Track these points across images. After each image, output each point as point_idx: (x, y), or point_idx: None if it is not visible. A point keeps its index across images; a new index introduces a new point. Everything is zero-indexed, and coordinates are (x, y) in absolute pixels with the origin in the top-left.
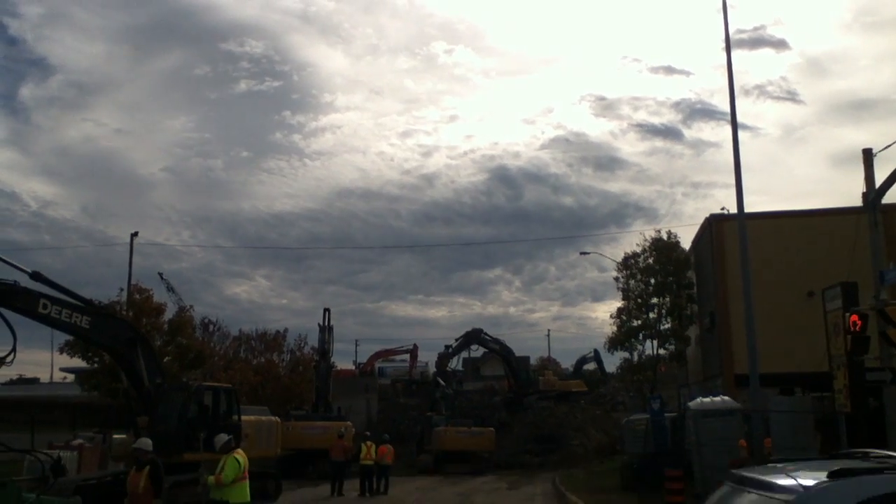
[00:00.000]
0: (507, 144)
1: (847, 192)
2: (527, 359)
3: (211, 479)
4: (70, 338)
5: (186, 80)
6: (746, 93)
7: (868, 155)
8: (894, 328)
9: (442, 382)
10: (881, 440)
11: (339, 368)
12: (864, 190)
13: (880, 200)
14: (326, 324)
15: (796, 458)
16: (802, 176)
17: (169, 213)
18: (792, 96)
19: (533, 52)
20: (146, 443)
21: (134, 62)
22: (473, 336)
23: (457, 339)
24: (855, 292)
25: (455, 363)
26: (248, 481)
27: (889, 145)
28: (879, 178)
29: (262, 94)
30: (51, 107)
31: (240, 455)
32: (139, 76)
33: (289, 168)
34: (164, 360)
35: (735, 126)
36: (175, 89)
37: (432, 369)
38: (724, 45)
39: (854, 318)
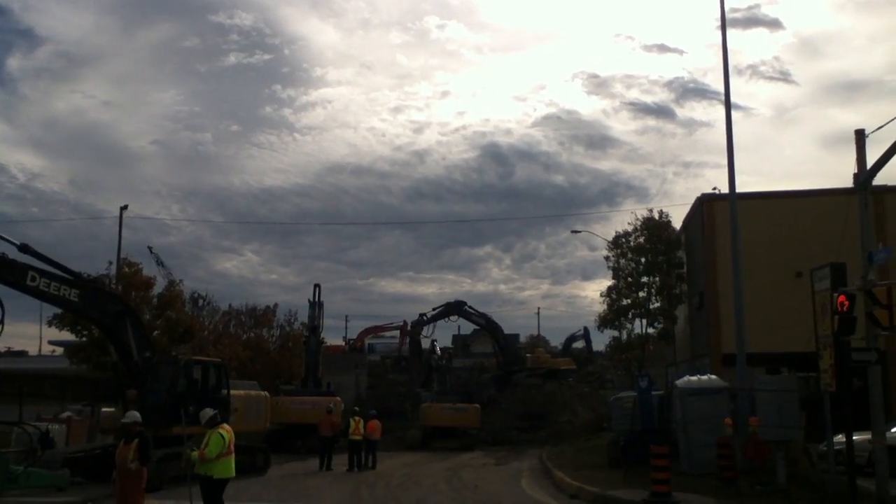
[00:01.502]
0: (498, 121)
1: (837, 173)
2: (516, 336)
3: (195, 454)
4: (59, 311)
5: (176, 52)
6: (739, 72)
7: (860, 136)
8: (881, 309)
9: (436, 354)
10: (865, 420)
11: (328, 344)
12: (856, 171)
13: (871, 182)
14: (316, 300)
15: None
16: (793, 156)
17: (158, 186)
18: (785, 76)
19: (526, 28)
20: (135, 416)
21: (123, 34)
22: (455, 307)
23: (435, 308)
24: (843, 273)
25: (430, 331)
26: (233, 456)
27: (881, 126)
28: (871, 159)
29: (252, 67)
30: (38, 78)
31: (225, 430)
32: (128, 48)
33: (279, 143)
34: (154, 334)
35: (728, 106)
36: (164, 62)
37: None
38: (717, 24)
39: (842, 298)
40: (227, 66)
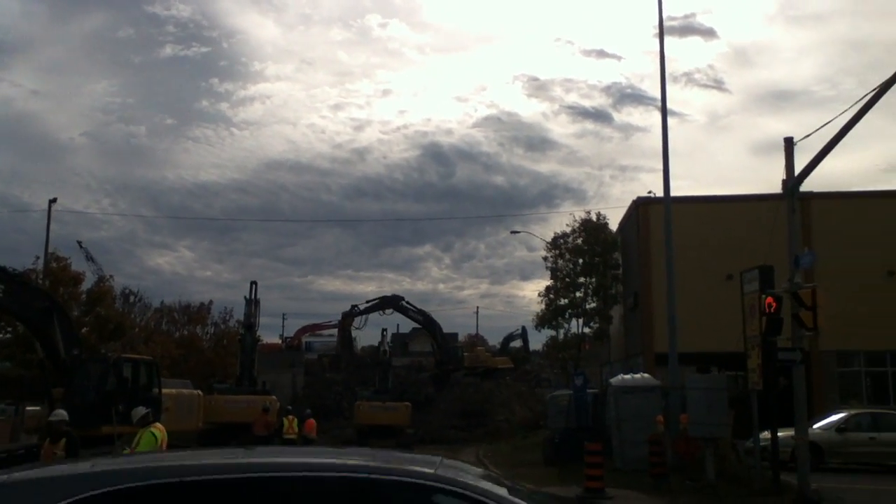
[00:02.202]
0: (440, 121)
1: (767, 179)
2: (455, 335)
3: (126, 452)
4: None
5: (109, 42)
6: (675, 79)
7: (789, 143)
8: (806, 311)
9: (384, 349)
10: (789, 417)
11: (265, 342)
12: (784, 177)
13: (799, 188)
14: (253, 297)
15: None
16: (725, 162)
17: (88, 179)
18: (718, 84)
19: (468, 29)
20: (61, 414)
21: (53, 21)
22: (391, 301)
23: (370, 301)
24: (771, 276)
25: (362, 323)
26: None
27: (810, 134)
28: (798, 166)
29: (188, 59)
30: None
31: (157, 429)
32: (59, 36)
33: (216, 137)
34: (82, 330)
35: (665, 112)
36: (97, 52)
37: (360, 345)
38: (655, 31)
39: (769, 300)
40: (162, 57)
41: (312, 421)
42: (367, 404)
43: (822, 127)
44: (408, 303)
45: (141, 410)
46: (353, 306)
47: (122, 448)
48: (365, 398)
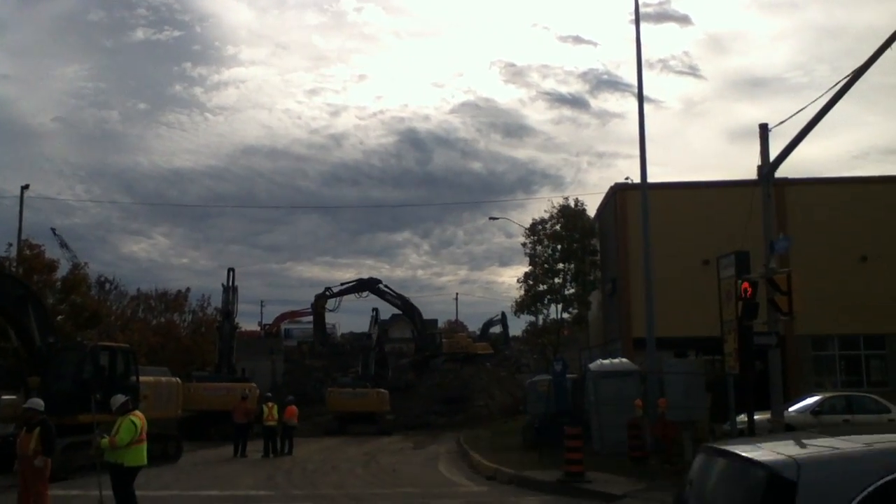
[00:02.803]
0: (416, 107)
1: (742, 165)
2: (434, 322)
3: (105, 441)
4: None
5: (80, 25)
6: (650, 66)
7: (764, 130)
8: (781, 295)
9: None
10: (765, 401)
11: (243, 330)
12: (759, 164)
13: (773, 174)
14: (230, 284)
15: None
16: (701, 149)
17: (61, 165)
18: (693, 71)
19: (444, 14)
20: (37, 403)
21: (22, 4)
22: (368, 284)
23: (345, 283)
24: (747, 261)
25: (336, 305)
26: (145, 444)
27: (784, 121)
28: (773, 152)
29: (160, 43)
30: None
31: (136, 417)
32: (28, 19)
33: (189, 122)
34: (58, 318)
35: (641, 99)
36: (67, 35)
37: (340, 331)
38: (630, 17)
39: (745, 285)
40: (134, 41)
41: (294, 408)
42: (337, 391)
43: (796, 113)
44: (386, 286)
45: (120, 398)
46: (327, 289)
47: (100, 436)
48: (342, 385)
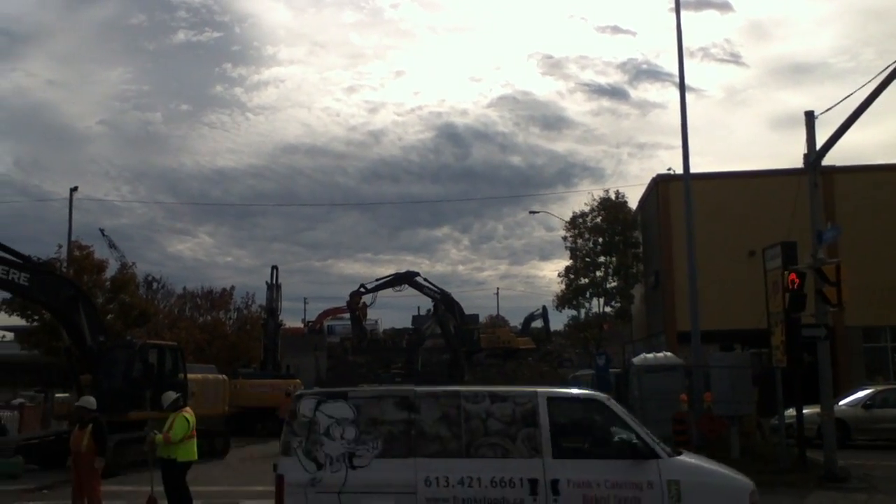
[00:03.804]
0: (454, 102)
1: (785, 154)
2: (476, 316)
3: (159, 437)
4: (8, 295)
5: (122, 29)
6: (691, 54)
7: (810, 117)
8: (830, 286)
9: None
10: (814, 394)
11: (287, 327)
12: (806, 152)
13: (820, 162)
14: (274, 282)
15: None
16: (744, 138)
17: (107, 167)
18: (735, 58)
19: (480, 8)
20: (89, 401)
21: (66, 10)
22: (405, 277)
23: (380, 278)
24: (794, 252)
25: (371, 301)
26: (195, 440)
27: (831, 107)
28: (820, 140)
29: (201, 45)
30: None
31: (188, 413)
32: (72, 25)
33: (231, 122)
34: (107, 317)
35: (683, 88)
36: (110, 39)
37: (382, 327)
38: (669, 5)
39: (792, 276)
40: (175, 43)
41: None
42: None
43: (843, 100)
44: (424, 279)
45: (171, 395)
46: (362, 285)
47: (151, 433)
48: (385, 380)
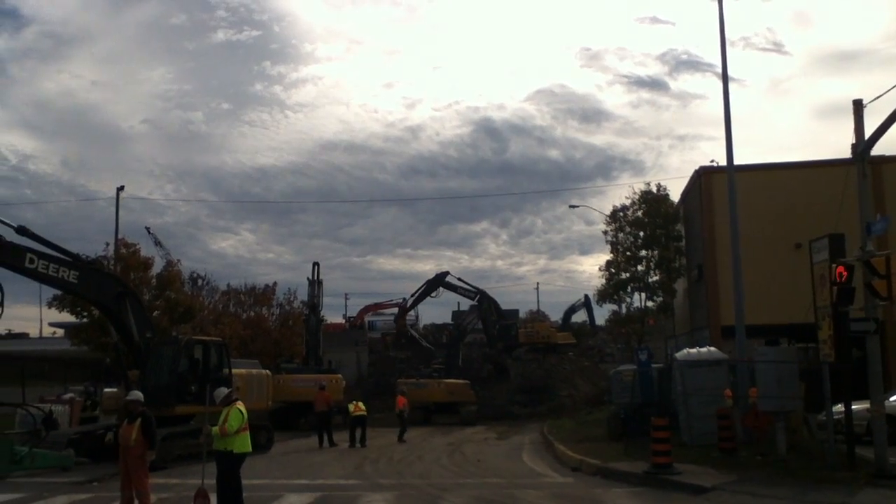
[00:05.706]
0: (491, 96)
1: (831, 143)
2: (516, 311)
3: (215, 429)
4: (58, 292)
5: (163, 30)
6: (732, 44)
7: (858, 106)
8: (880, 279)
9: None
10: (863, 390)
11: (328, 322)
12: (854, 141)
13: (869, 152)
14: (315, 278)
15: None
16: (788, 128)
17: (151, 166)
18: (778, 47)
19: (516, 1)
20: (137, 395)
21: (108, 12)
22: (436, 281)
23: (415, 293)
24: (842, 244)
25: (415, 318)
26: (249, 432)
27: (879, 96)
28: (868, 129)
29: (240, 44)
30: (26, 58)
31: (241, 406)
32: (115, 27)
33: (271, 120)
34: (154, 314)
35: (726, 78)
36: (152, 40)
37: (422, 323)
38: None
39: (840, 269)
40: (215, 43)
41: (403, 398)
42: (403, 382)
43: (892, 88)
44: (458, 278)
45: (224, 391)
46: (403, 300)
47: (207, 425)
48: (410, 376)
